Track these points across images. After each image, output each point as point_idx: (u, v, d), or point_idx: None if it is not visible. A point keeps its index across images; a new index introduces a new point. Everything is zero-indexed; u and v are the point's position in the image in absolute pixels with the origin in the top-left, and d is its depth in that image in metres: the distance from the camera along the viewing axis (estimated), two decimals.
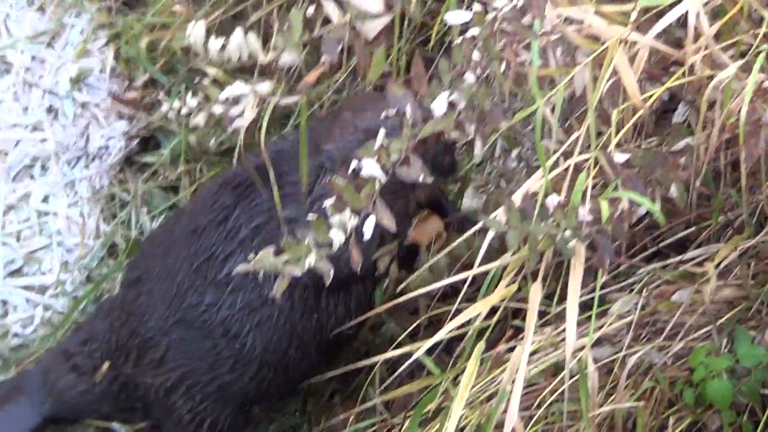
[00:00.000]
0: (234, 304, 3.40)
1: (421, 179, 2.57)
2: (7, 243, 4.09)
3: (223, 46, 2.81)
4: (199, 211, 3.49)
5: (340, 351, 3.63)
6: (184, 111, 2.88)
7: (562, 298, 2.88)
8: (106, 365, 3.65)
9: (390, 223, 2.52)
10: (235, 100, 2.85)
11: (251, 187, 3.39)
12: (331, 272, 2.55)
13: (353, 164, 2.58)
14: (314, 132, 3.33)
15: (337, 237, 2.52)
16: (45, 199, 4.16)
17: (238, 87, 2.85)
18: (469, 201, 3.80)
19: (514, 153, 3.58)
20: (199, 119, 2.88)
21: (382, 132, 2.59)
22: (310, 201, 3.28)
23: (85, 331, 3.76)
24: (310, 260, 2.52)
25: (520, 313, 3.02)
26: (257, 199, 3.38)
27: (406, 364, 2.90)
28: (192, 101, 2.87)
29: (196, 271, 3.43)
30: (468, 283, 2.86)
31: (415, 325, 3.34)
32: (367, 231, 2.52)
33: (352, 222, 2.52)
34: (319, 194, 3.27)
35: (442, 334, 2.80)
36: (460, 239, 2.95)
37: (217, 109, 2.86)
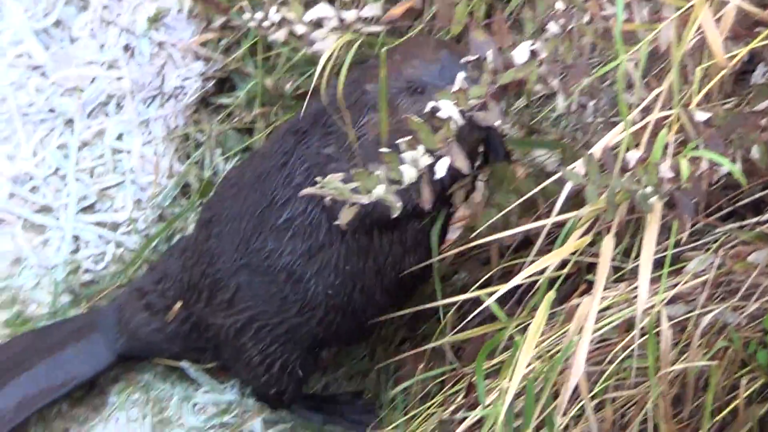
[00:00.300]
0: (294, 249, 3.49)
1: (497, 124, 2.61)
2: (80, 179, 4.18)
3: None
4: (265, 155, 3.58)
5: (409, 294, 3.68)
6: (265, 24, 2.89)
7: (635, 254, 2.92)
8: (178, 305, 3.77)
9: (463, 164, 2.57)
10: (318, 24, 2.85)
11: (309, 131, 3.46)
12: (399, 205, 2.60)
13: (429, 105, 2.62)
14: (364, 72, 3.37)
15: (408, 173, 2.57)
16: (119, 137, 4.25)
17: (323, 9, 2.89)
18: (541, 152, 3.83)
19: (591, 107, 3.59)
20: (280, 35, 2.89)
21: (461, 75, 2.64)
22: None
23: (159, 270, 3.87)
24: (378, 192, 2.57)
25: (593, 268, 3.04)
26: (310, 142, 3.45)
27: (477, 311, 2.94)
28: (275, 15, 2.88)
29: (260, 217, 3.52)
30: (542, 235, 2.91)
31: (488, 276, 3.39)
32: (440, 171, 2.57)
33: (425, 160, 2.56)
34: (360, 133, 3.32)
35: (514, 283, 2.84)
36: (536, 189, 2.99)
37: (300, 29, 2.89)
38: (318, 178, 2.75)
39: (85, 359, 3.87)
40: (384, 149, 2.69)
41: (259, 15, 2.89)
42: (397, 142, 2.64)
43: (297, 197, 3.44)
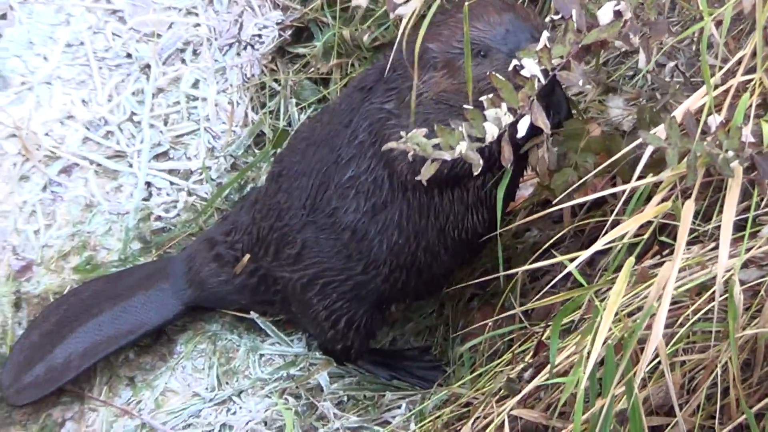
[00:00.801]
0: (358, 207, 3.59)
1: (581, 84, 2.68)
2: (154, 126, 4.29)
3: None
4: (335, 111, 3.67)
5: (476, 253, 3.76)
6: None
7: (709, 217, 2.98)
8: (246, 257, 3.87)
9: (545, 123, 2.64)
10: None
11: (373, 88, 3.54)
12: (480, 162, 2.68)
13: (513, 63, 2.68)
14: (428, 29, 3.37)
15: (491, 130, 2.64)
16: (195, 84, 4.35)
17: None
18: (617, 111, 3.86)
19: (669, 66, 3.63)
20: (362, 0, 2.92)
21: (545, 34, 2.70)
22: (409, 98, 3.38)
23: (230, 221, 3.97)
24: (461, 148, 2.65)
25: (666, 229, 3.09)
26: (374, 98, 3.53)
27: (559, 277, 2.97)
28: None
29: (326, 174, 3.62)
30: (621, 199, 2.96)
31: (560, 234, 3.45)
32: (522, 129, 2.64)
33: (507, 119, 2.63)
34: (419, 91, 3.37)
35: (594, 248, 2.87)
36: (620, 153, 3.03)
37: None
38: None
39: (153, 307, 3.98)
40: (467, 106, 2.75)
41: None
42: (481, 99, 2.71)
43: (361, 154, 3.54)
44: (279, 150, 4.15)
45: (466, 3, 2.99)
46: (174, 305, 3.99)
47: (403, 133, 2.80)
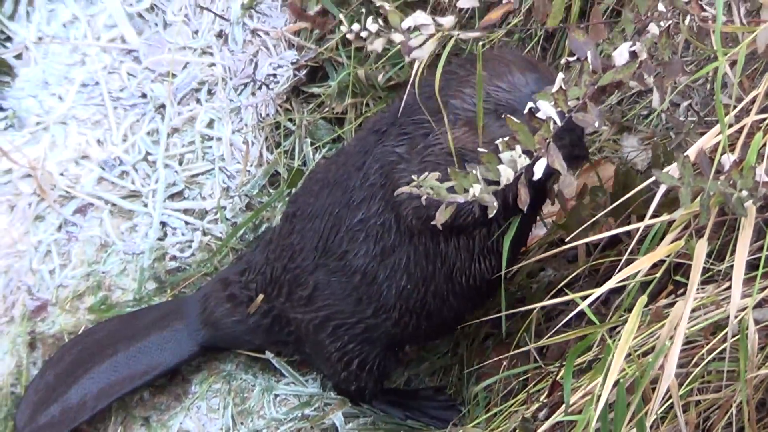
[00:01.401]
0: (368, 251, 3.63)
1: (597, 126, 2.70)
2: (169, 165, 4.34)
3: None
4: (349, 153, 3.69)
5: (487, 297, 3.78)
6: (363, 34, 2.92)
7: (723, 256, 3.00)
8: (260, 298, 3.90)
9: (561, 165, 2.68)
10: (415, 30, 2.91)
11: (387, 131, 3.56)
12: (495, 204, 2.72)
13: (528, 105, 2.72)
14: (448, 83, 3.42)
15: (506, 174, 2.68)
16: (210, 124, 4.41)
17: (420, 16, 2.93)
18: (631, 150, 3.90)
19: (683, 106, 3.67)
20: (377, 45, 2.92)
21: (560, 76, 2.74)
22: (424, 145, 3.43)
23: (245, 261, 4.01)
24: (475, 191, 2.69)
25: (680, 268, 3.11)
26: (387, 141, 3.55)
27: (571, 315, 3.00)
28: (372, 26, 2.92)
29: (338, 216, 3.65)
30: (635, 237, 2.99)
31: (574, 274, 3.49)
32: (538, 171, 2.67)
33: (523, 161, 2.66)
34: (432, 142, 3.41)
35: (608, 287, 2.89)
36: (631, 193, 3.06)
37: (397, 37, 2.93)
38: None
39: (168, 348, 4.00)
40: (481, 149, 2.79)
41: (356, 26, 2.92)
42: (497, 141, 2.74)
43: (371, 197, 3.57)
44: (294, 190, 4.20)
45: (480, 65, 3.02)
46: (189, 346, 4.02)
47: (414, 177, 2.84)
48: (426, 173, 2.79)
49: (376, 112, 4.25)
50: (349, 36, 2.95)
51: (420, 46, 2.92)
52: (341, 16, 3.57)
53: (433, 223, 2.85)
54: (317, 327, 3.80)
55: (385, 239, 3.59)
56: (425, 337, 3.95)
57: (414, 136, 3.46)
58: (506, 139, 2.69)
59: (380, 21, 2.94)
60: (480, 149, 2.80)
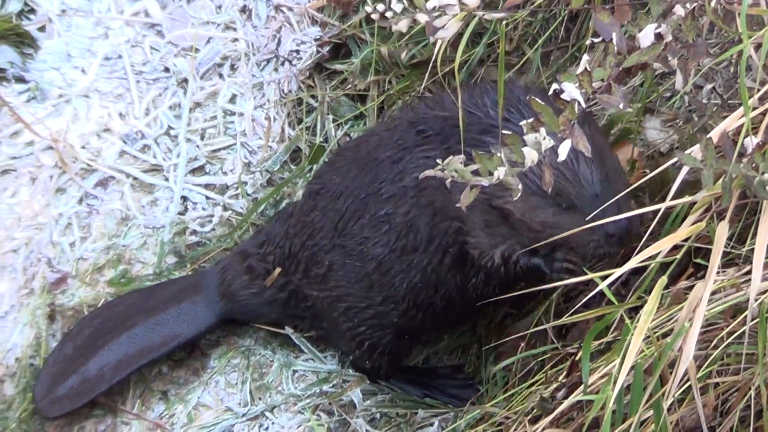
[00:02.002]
0: (388, 243, 3.69)
1: (622, 107, 2.72)
2: (191, 140, 4.37)
3: None
4: (382, 140, 3.72)
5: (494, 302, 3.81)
6: (388, 14, 2.94)
7: (744, 239, 3.02)
8: (277, 271, 3.95)
9: (586, 147, 2.70)
10: (440, 10, 2.92)
11: (431, 138, 3.58)
12: (520, 186, 2.75)
13: (554, 86, 2.74)
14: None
15: (530, 155, 2.71)
16: (232, 99, 4.43)
17: None
18: (654, 133, 3.91)
19: (707, 88, 3.67)
20: (402, 25, 2.94)
21: (585, 57, 2.75)
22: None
23: (264, 233, 4.05)
24: (499, 173, 2.71)
25: (701, 251, 3.14)
26: (430, 152, 3.57)
27: (590, 295, 3.01)
28: (397, 5, 2.94)
29: (363, 201, 3.71)
30: (655, 219, 3.00)
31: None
32: (563, 153, 2.70)
33: (547, 143, 2.69)
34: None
35: (628, 267, 2.92)
36: (654, 173, 3.07)
37: (422, 17, 2.94)
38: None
39: (186, 320, 4.05)
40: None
41: (381, 6, 2.95)
42: (521, 123, 2.75)
43: (403, 197, 3.62)
44: (318, 165, 4.25)
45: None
46: (207, 317, 4.07)
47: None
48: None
49: (408, 102, 4.24)
50: (374, 16, 2.96)
51: (444, 26, 2.93)
52: None
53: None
54: (330, 305, 3.86)
55: (408, 239, 3.65)
56: (430, 331, 4.01)
57: (454, 152, 3.37)
58: (531, 120, 2.70)
59: (405, 1, 2.95)
60: (503, 131, 2.80)
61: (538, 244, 3.40)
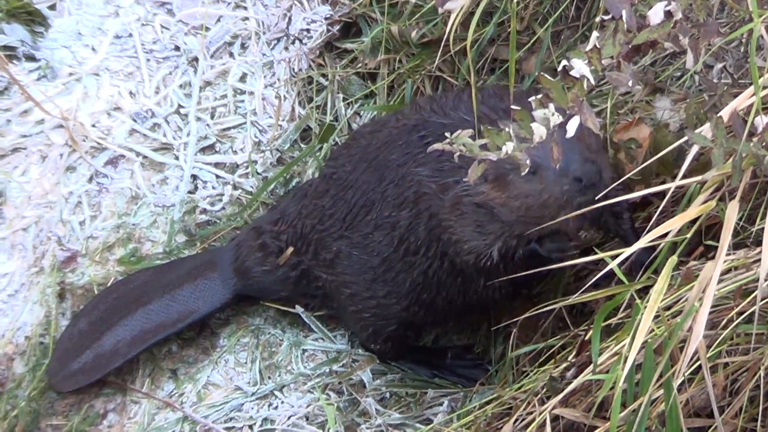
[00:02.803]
0: (391, 242, 3.72)
1: (631, 85, 2.71)
2: (201, 119, 4.37)
3: None
4: (393, 140, 3.74)
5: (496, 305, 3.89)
6: None
7: (753, 219, 3.02)
8: (290, 250, 3.97)
9: (594, 124, 2.69)
10: None
11: (430, 143, 3.47)
12: (528, 162, 2.75)
13: (563, 63, 2.74)
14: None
15: (539, 131, 2.70)
16: (242, 78, 4.43)
17: None
18: (663, 112, 3.91)
19: (717, 68, 3.67)
20: None
21: (594, 35, 2.75)
22: (453, 194, 3.55)
23: (279, 210, 4.06)
24: (508, 148, 2.71)
25: (711, 231, 3.16)
26: (427, 164, 3.61)
27: (600, 274, 3.01)
28: None
29: (370, 200, 3.74)
30: (666, 197, 3.02)
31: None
32: (571, 129, 2.70)
33: (555, 119, 2.68)
34: (463, 193, 3.53)
35: (638, 246, 2.93)
36: (665, 151, 3.08)
37: None
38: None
39: (201, 296, 4.06)
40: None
41: None
42: (530, 99, 2.76)
43: (401, 203, 3.66)
44: (328, 145, 4.27)
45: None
46: (222, 294, 4.08)
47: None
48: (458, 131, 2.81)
49: (409, 70, 4.28)
50: None
51: None
52: None
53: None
54: (337, 289, 3.89)
55: (410, 242, 3.69)
56: (433, 325, 4.07)
57: (447, 180, 3.57)
58: (539, 96, 2.69)
59: None
60: (513, 107, 2.80)
61: (530, 231, 3.44)
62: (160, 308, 4.05)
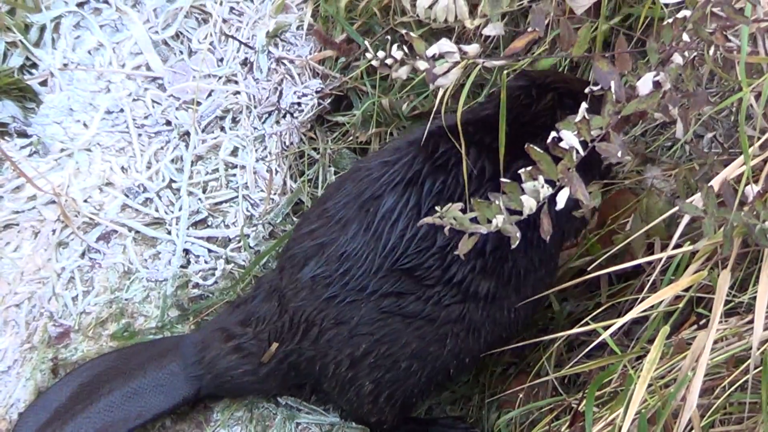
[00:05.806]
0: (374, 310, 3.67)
1: (620, 156, 2.73)
2: (193, 193, 4.38)
3: (431, 6, 2.99)
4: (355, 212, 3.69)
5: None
6: (389, 61, 2.96)
7: (745, 288, 3.02)
8: (275, 346, 3.85)
9: (584, 196, 2.70)
10: (440, 58, 2.95)
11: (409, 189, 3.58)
12: (518, 234, 2.75)
13: (552, 134, 2.75)
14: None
15: (528, 203, 2.71)
16: (234, 152, 4.45)
17: (445, 44, 2.97)
18: (652, 181, 3.90)
19: (707, 137, 3.69)
20: (402, 72, 2.97)
21: (583, 106, 2.77)
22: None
23: (245, 311, 3.95)
24: (498, 222, 2.71)
25: (703, 300, 3.15)
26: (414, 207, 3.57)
27: (593, 345, 3.03)
28: (397, 53, 2.97)
29: (343, 275, 3.66)
30: (657, 268, 3.03)
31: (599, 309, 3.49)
32: (561, 201, 2.70)
33: (545, 191, 2.69)
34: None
35: (630, 317, 2.94)
36: (654, 222, 3.09)
37: (422, 65, 2.96)
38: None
39: (163, 391, 3.97)
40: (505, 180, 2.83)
41: (381, 54, 2.97)
42: (519, 171, 2.77)
43: (385, 275, 3.62)
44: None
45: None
46: (184, 390, 3.99)
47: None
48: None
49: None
50: (375, 63, 2.99)
51: (444, 73, 2.95)
52: (366, 43, 3.58)
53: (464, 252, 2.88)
54: (355, 361, 3.78)
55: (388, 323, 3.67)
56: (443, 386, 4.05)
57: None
58: (529, 168, 2.71)
59: (405, 48, 2.98)
60: (503, 180, 2.82)
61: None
62: (122, 401, 3.95)
